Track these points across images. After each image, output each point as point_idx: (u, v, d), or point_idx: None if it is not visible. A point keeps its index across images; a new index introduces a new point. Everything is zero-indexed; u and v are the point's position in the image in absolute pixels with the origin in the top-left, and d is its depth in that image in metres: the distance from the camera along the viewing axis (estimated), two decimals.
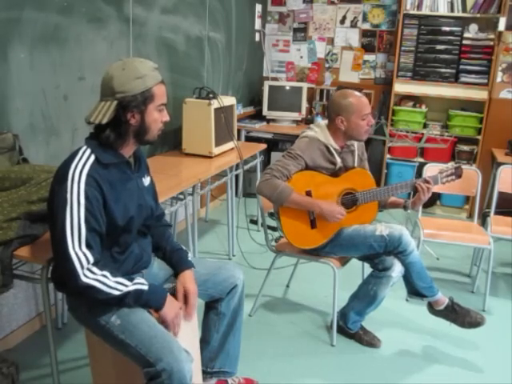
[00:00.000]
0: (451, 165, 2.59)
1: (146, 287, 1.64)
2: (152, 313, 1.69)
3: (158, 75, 1.68)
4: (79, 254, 1.54)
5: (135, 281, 1.63)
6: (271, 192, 2.39)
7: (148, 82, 1.64)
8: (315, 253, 2.62)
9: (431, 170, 3.31)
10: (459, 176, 2.56)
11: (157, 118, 1.69)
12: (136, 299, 1.63)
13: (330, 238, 2.53)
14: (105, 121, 1.61)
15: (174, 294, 1.80)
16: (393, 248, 2.46)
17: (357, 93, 2.49)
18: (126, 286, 1.60)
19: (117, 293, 1.58)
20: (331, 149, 2.51)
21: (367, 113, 2.46)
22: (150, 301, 1.66)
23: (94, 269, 1.56)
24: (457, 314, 2.56)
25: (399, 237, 2.45)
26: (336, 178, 2.51)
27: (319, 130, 2.54)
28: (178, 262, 1.89)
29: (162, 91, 1.69)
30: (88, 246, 1.56)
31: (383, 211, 4.42)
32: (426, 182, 2.49)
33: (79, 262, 1.54)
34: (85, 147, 1.65)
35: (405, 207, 2.61)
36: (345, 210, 2.47)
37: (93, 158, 1.62)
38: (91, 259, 1.56)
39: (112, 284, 1.58)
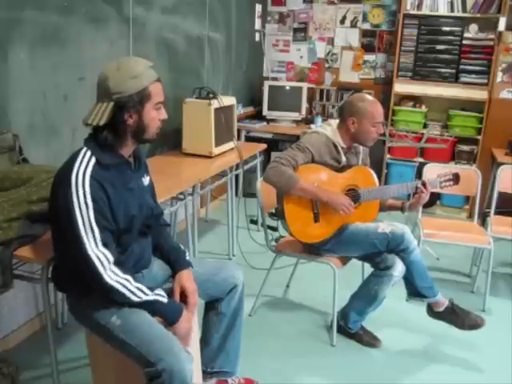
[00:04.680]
0: (449, 170, 2.62)
1: (165, 300, 1.68)
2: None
3: (153, 73, 1.67)
4: (99, 254, 1.56)
5: (156, 291, 1.67)
6: (278, 178, 2.38)
7: (144, 80, 1.63)
8: (316, 251, 2.62)
9: (431, 170, 3.32)
10: (457, 182, 2.61)
11: (154, 117, 1.68)
12: (153, 309, 1.66)
13: (332, 234, 2.53)
14: (102, 122, 1.61)
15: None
16: (395, 246, 2.46)
17: (375, 99, 2.52)
18: (147, 294, 1.63)
19: (135, 299, 1.61)
20: (338, 147, 2.52)
21: (379, 121, 2.47)
22: (165, 314, 1.68)
23: (117, 270, 1.59)
24: (457, 316, 2.56)
25: (402, 234, 2.46)
26: (340, 174, 2.53)
27: (330, 128, 2.56)
28: (175, 262, 1.90)
29: (159, 89, 1.68)
30: (104, 244, 1.58)
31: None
32: (425, 184, 2.51)
33: (100, 262, 1.56)
34: (85, 149, 1.64)
35: (402, 209, 2.62)
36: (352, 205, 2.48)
37: (93, 160, 1.62)
38: (111, 258, 1.58)
39: (133, 289, 1.61)
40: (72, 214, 1.55)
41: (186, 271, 1.86)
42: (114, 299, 1.61)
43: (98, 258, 1.56)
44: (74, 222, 1.55)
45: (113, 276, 1.58)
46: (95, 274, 1.56)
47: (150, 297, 1.64)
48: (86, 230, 1.55)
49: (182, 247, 1.96)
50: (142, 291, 1.63)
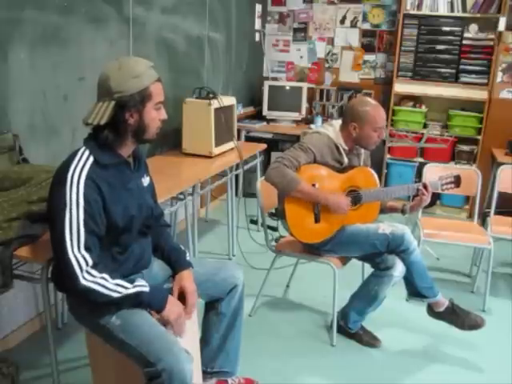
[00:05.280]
0: (451, 173, 2.62)
1: (147, 289, 1.64)
2: (152, 313, 1.69)
3: (154, 73, 1.67)
4: (78, 256, 1.54)
5: (136, 283, 1.63)
6: (280, 179, 2.38)
7: (145, 80, 1.63)
8: (316, 251, 2.63)
9: (431, 170, 3.32)
10: (458, 185, 2.60)
11: (155, 117, 1.68)
12: (137, 301, 1.63)
13: (333, 235, 2.53)
14: (103, 121, 1.61)
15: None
16: (395, 246, 2.46)
17: (376, 103, 2.50)
18: (127, 288, 1.60)
19: (116, 295, 1.58)
20: (340, 148, 2.52)
21: (381, 126, 2.47)
22: (151, 303, 1.66)
23: (93, 271, 1.56)
24: (457, 316, 2.56)
25: (402, 235, 2.46)
26: (341, 175, 2.53)
27: (332, 129, 2.56)
28: (175, 262, 1.89)
29: (159, 89, 1.68)
30: (87, 248, 1.56)
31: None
32: (426, 186, 2.51)
33: (78, 264, 1.54)
34: (83, 148, 1.65)
35: (403, 211, 2.62)
36: (349, 205, 2.49)
37: (91, 159, 1.62)
38: (90, 262, 1.55)
39: (112, 286, 1.57)
40: (62, 213, 1.54)
41: (186, 271, 1.86)
42: (94, 300, 1.57)
43: (77, 260, 1.53)
44: (62, 221, 1.54)
45: (88, 277, 1.54)
46: (71, 275, 1.53)
47: (131, 290, 1.60)
48: (71, 231, 1.54)
49: (183, 248, 1.96)
50: (121, 286, 1.59)
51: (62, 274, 1.57)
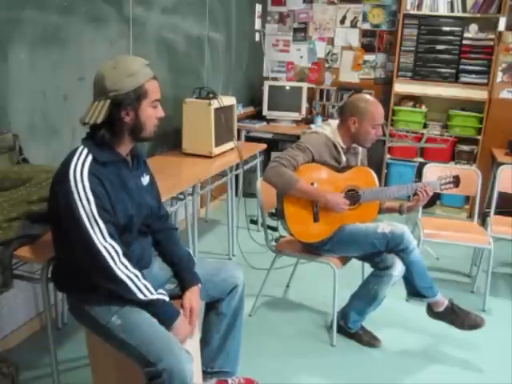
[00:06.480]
0: (450, 173, 2.62)
1: (167, 298, 1.68)
2: None
3: (149, 71, 1.67)
4: (107, 246, 1.56)
5: (159, 290, 1.68)
6: (278, 178, 2.39)
7: (140, 78, 1.63)
8: (316, 251, 2.63)
9: (431, 170, 3.32)
10: (457, 185, 2.61)
11: (151, 115, 1.69)
12: (155, 308, 1.65)
13: (332, 234, 2.53)
14: (99, 120, 1.61)
15: (175, 297, 1.81)
16: (394, 246, 2.46)
17: (375, 100, 2.52)
18: (152, 293, 1.64)
19: (141, 296, 1.61)
20: (338, 147, 2.53)
21: (379, 123, 2.48)
22: (166, 313, 1.67)
23: (127, 263, 1.59)
24: (456, 316, 2.56)
25: (401, 234, 2.46)
26: (340, 174, 2.53)
27: (329, 128, 2.57)
28: (185, 276, 1.86)
29: (155, 87, 1.69)
30: (111, 236, 1.58)
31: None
32: (425, 187, 2.51)
33: (109, 255, 1.56)
34: (81, 147, 1.65)
35: (400, 211, 2.62)
36: (347, 204, 2.49)
37: (90, 157, 1.62)
38: (119, 250, 1.58)
39: (141, 286, 1.61)
40: (75, 210, 1.55)
41: (195, 288, 1.84)
42: (121, 294, 1.60)
43: (107, 250, 1.56)
44: (78, 218, 1.55)
45: (123, 269, 1.58)
46: (105, 267, 1.56)
47: (155, 296, 1.64)
48: (91, 224, 1.55)
49: (190, 252, 1.95)
50: (148, 289, 1.63)
51: (92, 267, 1.58)
